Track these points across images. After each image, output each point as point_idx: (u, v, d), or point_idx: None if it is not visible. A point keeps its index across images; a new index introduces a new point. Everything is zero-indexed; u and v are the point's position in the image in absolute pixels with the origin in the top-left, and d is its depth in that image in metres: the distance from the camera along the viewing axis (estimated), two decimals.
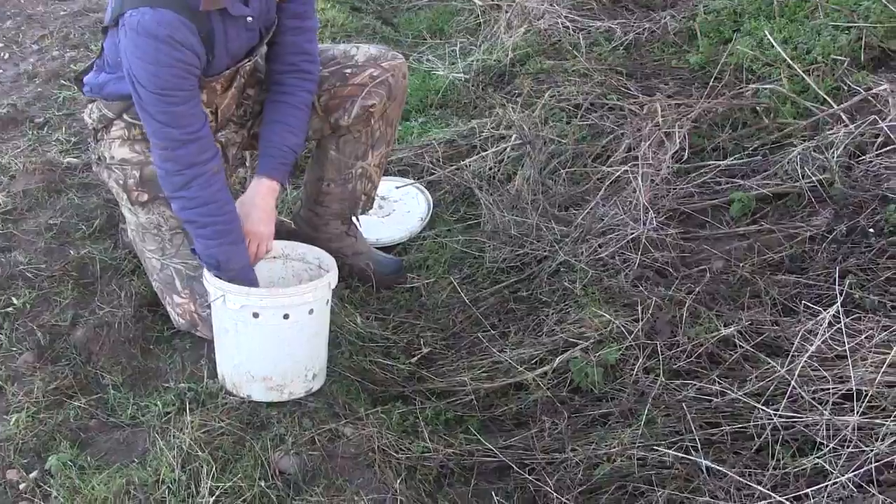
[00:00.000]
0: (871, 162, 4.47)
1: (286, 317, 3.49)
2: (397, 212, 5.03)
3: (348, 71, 4.08)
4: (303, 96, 3.91)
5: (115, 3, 3.47)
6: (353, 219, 4.46)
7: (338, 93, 4.08)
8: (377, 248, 4.68)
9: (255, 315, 3.47)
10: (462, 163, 5.25)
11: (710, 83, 5.26)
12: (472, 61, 6.35)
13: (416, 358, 4.04)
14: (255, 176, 3.88)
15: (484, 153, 5.27)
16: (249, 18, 3.62)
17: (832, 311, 3.53)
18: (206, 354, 3.81)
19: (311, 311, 3.54)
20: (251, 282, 3.68)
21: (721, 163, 4.77)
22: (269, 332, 3.53)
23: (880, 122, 4.52)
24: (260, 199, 3.80)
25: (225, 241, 3.60)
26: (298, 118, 3.89)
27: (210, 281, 3.56)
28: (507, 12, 6.75)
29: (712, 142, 4.96)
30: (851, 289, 3.82)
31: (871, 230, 4.16)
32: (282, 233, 4.33)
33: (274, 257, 3.93)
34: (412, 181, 5.19)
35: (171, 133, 3.46)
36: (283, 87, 3.91)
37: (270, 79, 3.99)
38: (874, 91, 4.76)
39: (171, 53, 3.35)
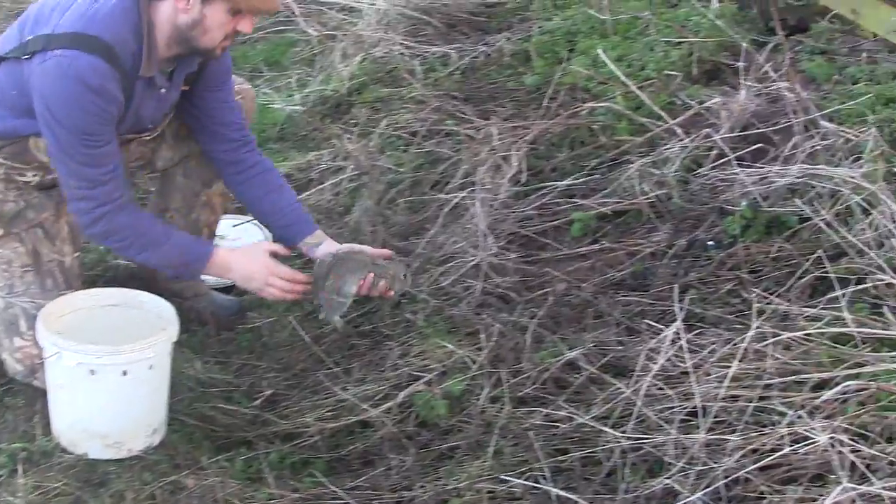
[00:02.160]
0: (707, 175, 4.69)
1: (125, 373, 3.48)
2: None
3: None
4: (265, 162, 4.20)
5: (26, 36, 3.52)
6: None
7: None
8: (217, 288, 4.69)
9: (92, 372, 3.45)
10: (300, 197, 5.31)
11: (547, 104, 5.44)
12: (309, 92, 6.43)
13: (258, 401, 4.03)
14: (315, 236, 4.17)
15: (321, 186, 5.33)
16: (163, 90, 3.75)
17: (674, 328, 3.69)
18: (41, 410, 3.74)
19: (150, 367, 3.53)
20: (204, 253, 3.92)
21: (560, 183, 4.93)
22: (107, 390, 3.51)
23: (714, 134, 4.76)
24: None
25: (162, 247, 3.77)
26: (279, 178, 4.23)
27: (45, 337, 3.51)
28: (342, 42, 6.85)
29: (551, 163, 5.13)
30: (693, 304, 4.02)
31: (711, 243, 4.38)
32: (120, 276, 4.34)
33: (111, 305, 3.89)
34: (250, 218, 5.21)
35: (89, 173, 3.56)
36: (244, 163, 4.12)
37: (225, 158, 4.13)
38: (707, 104, 5.01)
39: (97, 102, 3.44)
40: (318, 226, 4.20)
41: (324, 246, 4.09)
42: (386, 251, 4.17)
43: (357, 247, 4.10)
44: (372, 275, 3.97)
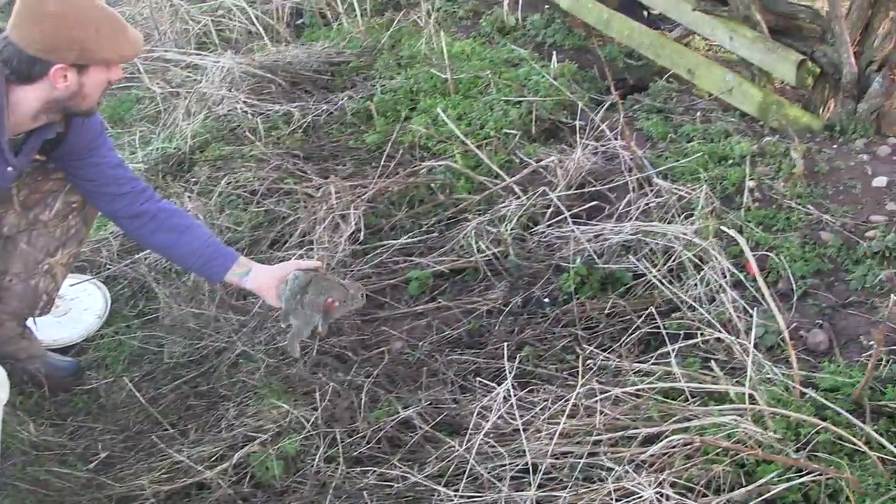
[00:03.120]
0: (543, 232, 4.78)
1: None
2: (74, 310, 4.95)
3: (51, 165, 4.08)
4: (168, 207, 4.17)
5: None
6: (30, 320, 4.41)
7: (39, 187, 4.08)
8: (54, 349, 4.61)
9: None
10: (138, 256, 5.25)
11: (386, 162, 5.48)
12: (152, 150, 6.38)
13: (93, 464, 3.97)
14: (240, 264, 4.11)
15: None
16: (10, 168, 3.69)
17: (506, 385, 3.73)
18: None
19: None
20: None
21: (398, 242, 4.96)
22: None
23: (550, 192, 4.85)
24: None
25: None
26: (187, 219, 4.20)
27: None
28: (185, 99, 6.82)
29: (389, 221, 5.16)
30: (528, 360, 4.07)
31: (547, 300, 4.45)
32: None
33: None
34: (89, 277, 5.14)
35: None
36: (146, 214, 4.09)
37: (126, 214, 4.10)
38: (544, 162, 5.11)
39: None
40: (239, 254, 4.13)
41: (255, 272, 4.07)
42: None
43: (305, 263, 4.06)
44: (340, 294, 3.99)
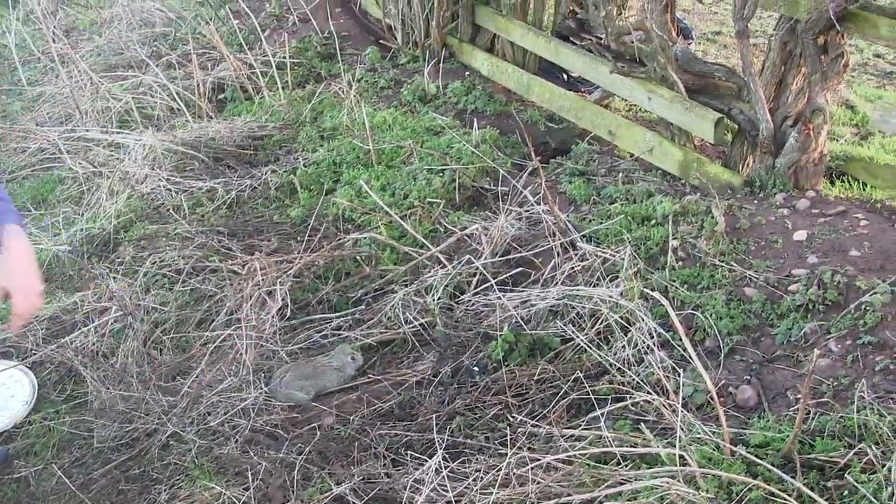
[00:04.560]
0: (470, 301, 4.81)
1: None
2: (0, 397, 4.92)
3: None
4: None
5: None
6: None
7: None
8: None
9: None
10: (65, 339, 5.21)
11: (311, 236, 5.50)
12: (76, 231, 6.34)
13: None
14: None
15: (86, 328, 5.25)
16: None
17: (437, 458, 3.75)
18: None
19: None
20: None
21: (326, 316, 4.98)
22: None
23: (475, 260, 4.89)
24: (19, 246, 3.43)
25: None
26: None
27: None
28: (108, 178, 6.80)
29: (316, 295, 5.18)
30: (459, 431, 4.08)
31: (476, 368, 4.47)
32: None
33: None
34: (14, 363, 5.09)
35: None
36: None
37: None
38: (468, 230, 5.16)
39: None
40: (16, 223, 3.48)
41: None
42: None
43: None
44: None
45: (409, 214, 5.51)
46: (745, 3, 5.52)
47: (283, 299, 5.05)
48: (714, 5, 10.41)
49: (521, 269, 4.97)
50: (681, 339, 4.22)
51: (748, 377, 4.20)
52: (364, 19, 9.33)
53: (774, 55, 5.78)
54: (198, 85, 7.88)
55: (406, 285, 5.00)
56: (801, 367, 4.19)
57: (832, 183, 6.09)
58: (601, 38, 6.45)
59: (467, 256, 4.98)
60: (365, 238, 5.36)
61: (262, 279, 5.15)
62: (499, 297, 4.69)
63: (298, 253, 5.41)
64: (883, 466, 3.42)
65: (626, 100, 6.87)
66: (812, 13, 5.37)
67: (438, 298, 4.82)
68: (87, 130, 7.49)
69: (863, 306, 4.36)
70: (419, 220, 5.47)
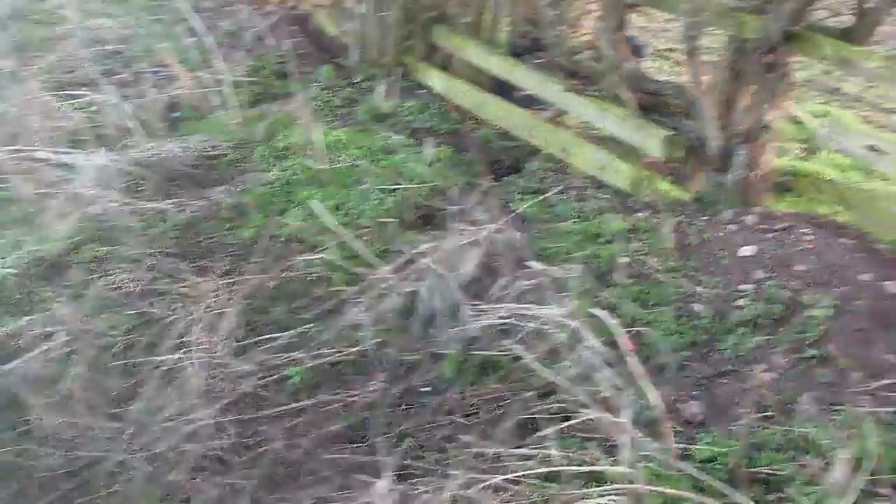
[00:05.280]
0: (421, 322, 4.84)
1: None
2: None
3: None
4: None
5: None
6: None
7: None
8: None
9: None
10: (5, 367, 5.18)
11: (263, 257, 5.51)
12: (24, 253, 6.31)
13: None
14: None
15: (32, 353, 5.22)
16: None
17: (386, 480, 3.76)
18: None
19: None
20: None
21: (277, 336, 4.98)
22: None
23: (426, 280, 4.93)
24: None
25: None
26: None
27: None
28: (58, 199, 6.78)
29: (268, 317, 5.18)
30: (408, 452, 4.11)
31: (426, 389, 4.51)
32: None
33: None
34: None
35: None
36: None
37: None
38: (420, 250, 5.19)
39: None
40: None
41: None
42: None
43: None
44: None
45: (362, 234, 5.54)
46: (693, 23, 5.61)
47: (233, 321, 5.05)
48: (668, 23, 10.49)
49: (472, 287, 5.00)
50: (629, 357, 4.30)
51: (696, 392, 4.26)
52: (320, 37, 9.36)
53: (724, 73, 5.87)
54: (151, 103, 7.88)
55: (357, 305, 5.02)
56: (749, 381, 4.26)
57: (780, 197, 6.17)
58: (555, 57, 6.51)
59: (418, 276, 5.00)
60: (317, 259, 5.38)
61: (213, 301, 5.16)
62: (449, 317, 4.72)
63: (250, 274, 5.42)
64: (824, 478, 3.49)
65: (578, 117, 6.93)
66: (759, 33, 5.46)
67: (390, 318, 4.84)
68: (36, 150, 7.46)
69: (807, 320, 4.44)
70: (371, 241, 5.50)
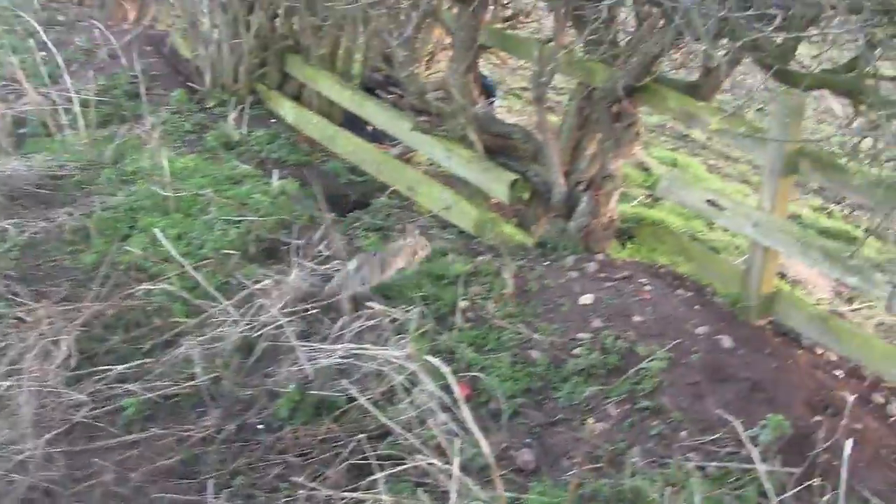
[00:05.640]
0: (259, 357, 4.77)
1: None
2: None
3: None
4: None
5: None
6: None
7: None
8: None
9: None
10: None
11: (103, 284, 5.37)
12: None
13: None
14: None
15: None
16: None
17: None
18: None
19: None
20: None
21: (114, 367, 4.85)
22: None
23: (266, 315, 4.86)
24: None
25: None
26: None
27: None
28: None
29: (105, 345, 5.04)
30: (240, 491, 4.04)
31: (261, 426, 4.43)
32: None
33: None
34: None
35: None
36: None
37: None
38: (261, 284, 5.11)
39: None
40: None
41: None
42: None
43: None
44: None
45: (203, 266, 5.44)
46: (543, 69, 5.66)
47: (68, 349, 4.91)
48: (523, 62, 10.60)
49: (311, 325, 4.95)
50: (465, 401, 4.29)
51: (529, 440, 4.27)
52: (175, 59, 9.20)
53: (571, 120, 5.95)
54: None
55: (196, 338, 4.92)
56: (582, 430, 4.28)
57: (623, 245, 6.27)
58: (406, 96, 6.51)
59: (258, 311, 4.93)
60: (157, 289, 5.26)
61: (48, 328, 5.00)
62: (287, 354, 4.66)
63: (88, 301, 5.28)
64: None
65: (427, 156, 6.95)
66: (607, 82, 5.54)
67: (228, 353, 4.76)
68: None
69: (641, 372, 4.49)
70: (213, 272, 5.40)
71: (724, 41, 5.13)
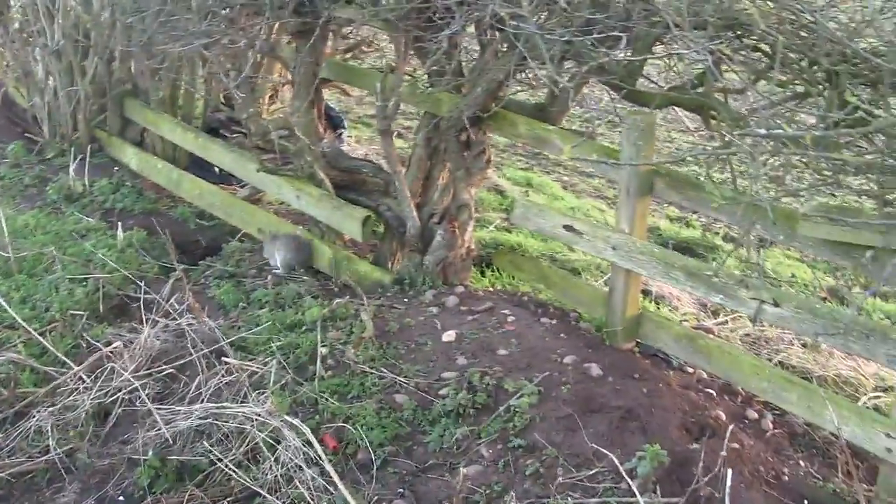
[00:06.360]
0: (115, 423, 4.48)
1: None
2: None
3: None
4: None
5: None
6: None
7: None
8: None
9: None
10: None
11: None
12: None
13: None
14: None
15: None
16: None
17: None
18: None
19: None
20: None
21: None
22: None
23: (118, 379, 4.58)
24: None
25: None
26: None
27: None
28: None
29: None
30: None
31: (121, 498, 4.15)
32: None
33: None
34: None
35: None
36: None
37: None
38: (113, 346, 4.82)
39: None
40: None
41: None
42: None
43: None
44: None
45: (51, 329, 5.12)
46: (387, 102, 5.48)
47: None
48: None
49: (168, 386, 4.68)
50: (333, 453, 4.09)
51: (401, 490, 4.06)
52: (12, 109, 8.77)
53: (420, 150, 5.80)
54: None
55: (47, 408, 4.60)
56: (455, 475, 4.09)
57: (482, 273, 6.12)
58: (248, 137, 6.27)
59: (111, 375, 4.63)
60: (2, 358, 4.92)
61: None
62: (142, 420, 4.39)
63: None
64: None
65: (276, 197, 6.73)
66: (454, 111, 5.39)
67: (82, 422, 4.46)
68: None
69: (511, 408, 4.33)
70: (60, 336, 5.08)
71: (570, 64, 5.03)
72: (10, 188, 7.17)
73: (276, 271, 5.77)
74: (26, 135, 8.12)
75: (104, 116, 7.86)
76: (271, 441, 4.14)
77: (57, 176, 7.26)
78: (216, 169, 7.29)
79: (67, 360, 4.87)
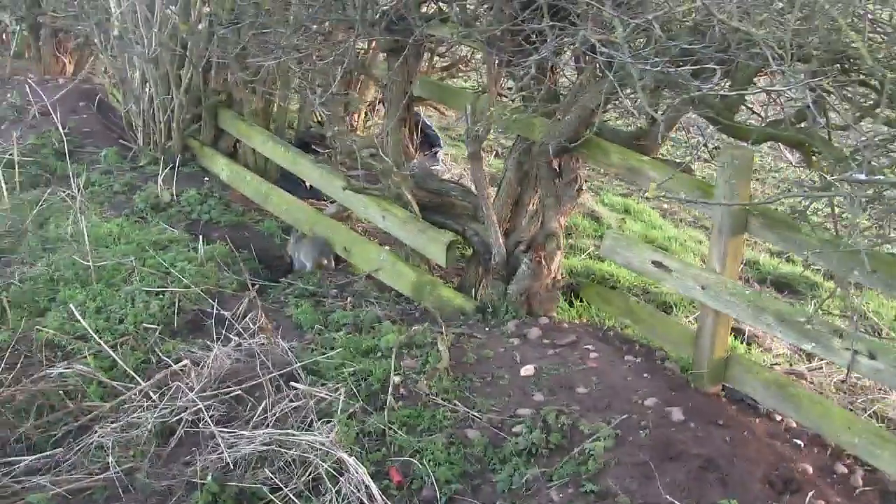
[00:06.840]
0: (179, 445, 4.39)
1: None
2: None
3: None
4: None
5: None
6: None
7: None
8: None
9: None
10: None
11: (14, 364, 4.97)
12: None
13: None
14: None
15: None
16: None
17: None
18: None
19: None
20: None
21: (16, 459, 4.44)
22: None
23: (185, 399, 4.49)
24: None
25: None
26: None
27: None
28: None
29: (15, 432, 4.64)
30: None
31: None
32: None
33: None
34: None
35: None
36: None
37: None
38: (183, 363, 4.74)
39: None
40: None
41: None
42: None
43: None
44: None
45: (122, 343, 5.06)
46: (476, 123, 5.33)
47: None
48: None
49: (234, 408, 4.58)
50: (398, 488, 3.95)
51: None
52: (109, 115, 8.81)
53: (511, 175, 5.64)
54: None
55: (112, 423, 4.53)
56: None
57: (571, 304, 5.92)
58: (336, 154, 6.18)
59: (178, 394, 4.55)
60: (71, 370, 4.86)
61: None
62: (207, 443, 4.29)
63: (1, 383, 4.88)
64: None
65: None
66: (546, 137, 5.23)
67: (145, 440, 4.38)
68: None
69: (586, 451, 4.15)
70: (131, 349, 5.02)
71: (666, 93, 4.84)
72: (98, 195, 7.16)
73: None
74: (121, 141, 8.13)
75: (198, 126, 7.84)
76: (334, 472, 4.02)
77: (147, 184, 7.24)
78: (306, 184, 7.21)
79: (136, 375, 4.80)
